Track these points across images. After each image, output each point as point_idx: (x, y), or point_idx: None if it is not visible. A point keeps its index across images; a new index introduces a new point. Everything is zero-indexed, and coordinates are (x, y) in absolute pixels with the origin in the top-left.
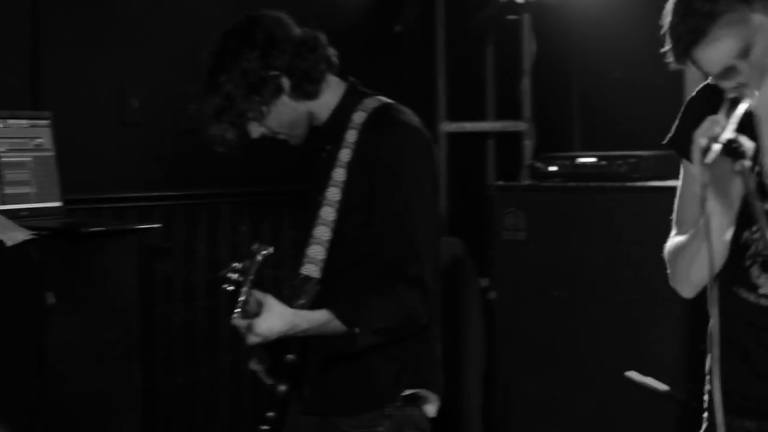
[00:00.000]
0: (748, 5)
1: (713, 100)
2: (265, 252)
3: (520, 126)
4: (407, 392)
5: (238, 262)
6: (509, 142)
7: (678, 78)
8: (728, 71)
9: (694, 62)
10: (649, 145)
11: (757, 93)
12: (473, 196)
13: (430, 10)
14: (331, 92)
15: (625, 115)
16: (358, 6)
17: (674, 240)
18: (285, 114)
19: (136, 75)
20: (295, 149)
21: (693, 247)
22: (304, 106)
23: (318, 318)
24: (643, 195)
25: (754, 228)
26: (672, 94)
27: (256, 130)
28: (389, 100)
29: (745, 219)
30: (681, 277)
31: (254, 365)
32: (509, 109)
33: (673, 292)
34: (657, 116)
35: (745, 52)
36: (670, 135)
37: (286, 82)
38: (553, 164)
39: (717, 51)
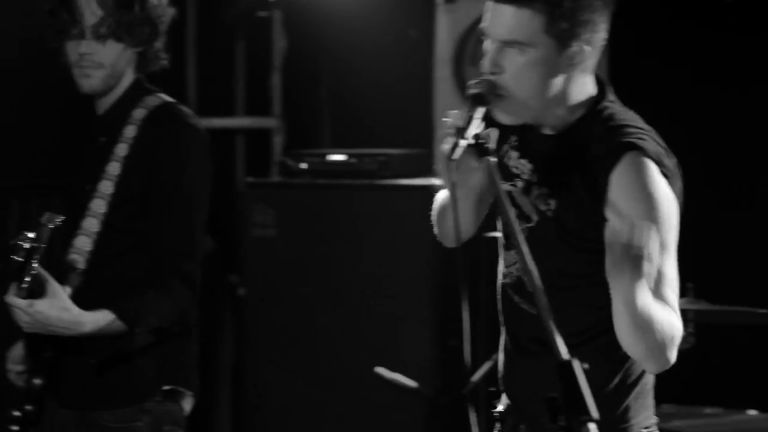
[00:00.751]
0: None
1: None
2: (57, 220)
3: (270, 122)
4: (166, 388)
5: (29, 231)
6: (259, 138)
7: (427, 76)
8: (503, 49)
9: (494, 16)
10: (399, 143)
11: (495, 93)
12: (222, 193)
13: (181, 4)
14: (121, 83)
15: (374, 113)
16: None
17: (439, 197)
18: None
19: None
20: (60, 142)
21: (447, 215)
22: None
23: (101, 319)
24: (393, 193)
25: None
26: (421, 92)
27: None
28: (170, 99)
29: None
30: (443, 234)
31: (12, 366)
32: (259, 105)
33: (422, 291)
34: (406, 114)
35: (525, 45)
36: None
37: None
38: (303, 161)
39: (520, 17)
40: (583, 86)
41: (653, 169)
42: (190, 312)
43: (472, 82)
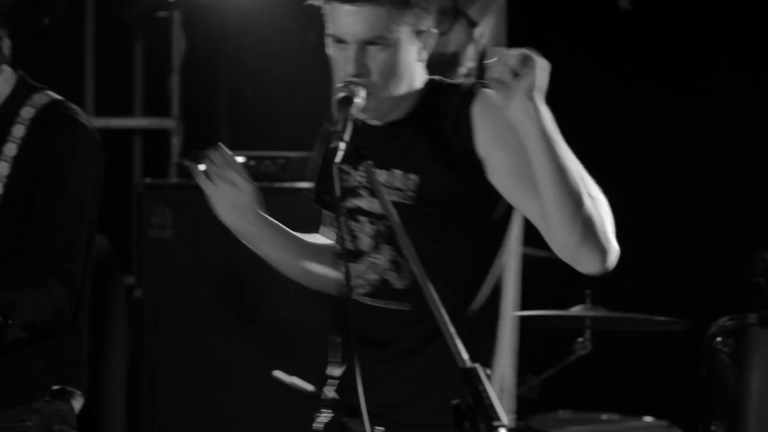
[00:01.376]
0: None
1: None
2: None
3: (168, 123)
4: (55, 387)
5: None
6: (157, 139)
7: (326, 79)
8: (363, 53)
9: (349, 18)
10: (298, 146)
11: (363, 95)
12: (119, 193)
13: (79, 2)
14: (3, 82)
15: (274, 115)
16: None
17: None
18: None
19: None
20: None
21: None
22: None
23: None
24: (292, 196)
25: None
26: (319, 95)
27: None
28: (59, 97)
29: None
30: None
31: None
32: (157, 106)
33: (319, 294)
34: (305, 117)
35: (387, 40)
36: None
37: None
38: (201, 163)
39: (378, 13)
40: (421, 71)
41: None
42: (66, 309)
43: (338, 85)
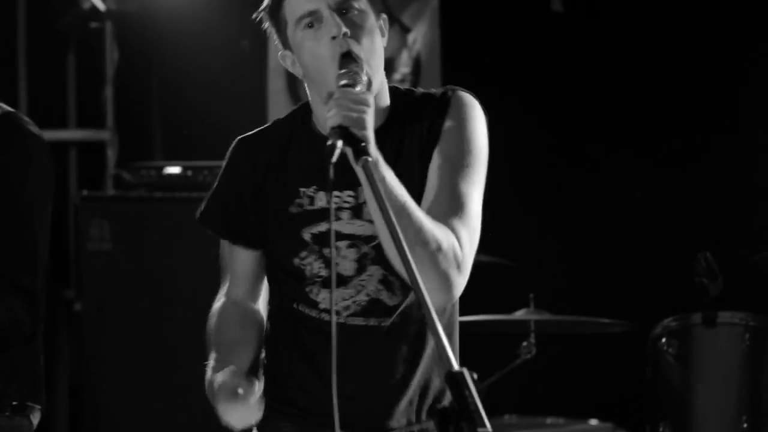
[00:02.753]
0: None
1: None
2: None
3: (103, 135)
4: (14, 403)
5: None
6: (92, 151)
7: (260, 88)
8: (344, 11)
9: None
10: None
11: (365, 79)
12: (55, 207)
13: (11, 13)
14: None
15: (208, 125)
16: None
17: None
18: None
19: None
20: None
21: None
22: None
23: None
24: None
25: (302, 254)
26: (254, 104)
27: None
28: (10, 108)
29: (291, 246)
30: None
31: None
32: (91, 117)
33: None
34: (240, 126)
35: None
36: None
37: None
38: (138, 174)
39: None
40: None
41: (479, 107)
42: (27, 322)
43: (341, 71)
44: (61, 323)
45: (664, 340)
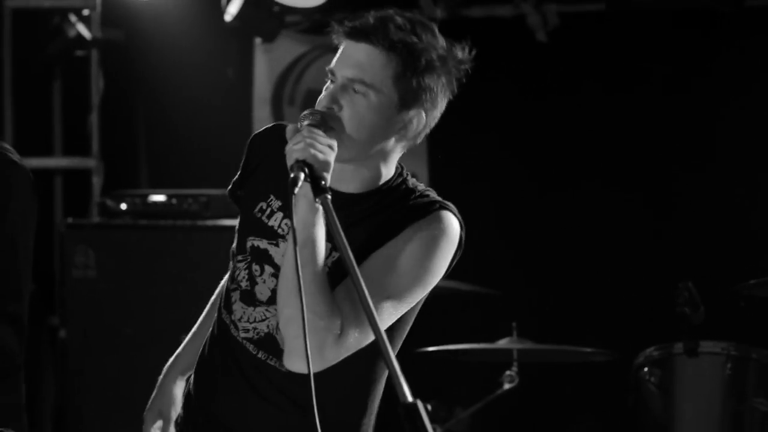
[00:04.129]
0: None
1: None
2: None
3: (89, 163)
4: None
5: None
6: (77, 178)
7: (246, 116)
8: (346, 87)
9: (345, 53)
10: (219, 184)
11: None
12: (40, 234)
13: None
14: None
15: (194, 153)
16: None
17: None
18: None
19: None
20: None
21: None
22: None
23: None
24: (214, 233)
25: (240, 256)
26: (239, 132)
27: None
28: None
29: (240, 242)
30: None
31: None
32: (77, 145)
33: None
34: (226, 154)
35: (370, 88)
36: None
37: None
38: (123, 202)
39: (375, 58)
40: (396, 160)
41: (455, 231)
42: (16, 350)
43: (305, 112)
44: (46, 350)
45: (646, 369)
